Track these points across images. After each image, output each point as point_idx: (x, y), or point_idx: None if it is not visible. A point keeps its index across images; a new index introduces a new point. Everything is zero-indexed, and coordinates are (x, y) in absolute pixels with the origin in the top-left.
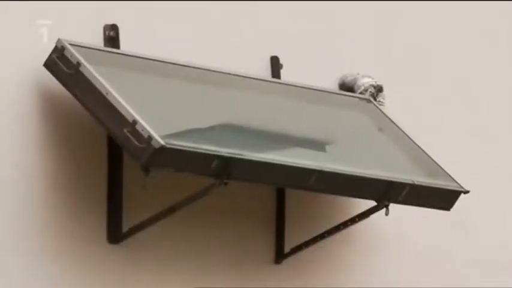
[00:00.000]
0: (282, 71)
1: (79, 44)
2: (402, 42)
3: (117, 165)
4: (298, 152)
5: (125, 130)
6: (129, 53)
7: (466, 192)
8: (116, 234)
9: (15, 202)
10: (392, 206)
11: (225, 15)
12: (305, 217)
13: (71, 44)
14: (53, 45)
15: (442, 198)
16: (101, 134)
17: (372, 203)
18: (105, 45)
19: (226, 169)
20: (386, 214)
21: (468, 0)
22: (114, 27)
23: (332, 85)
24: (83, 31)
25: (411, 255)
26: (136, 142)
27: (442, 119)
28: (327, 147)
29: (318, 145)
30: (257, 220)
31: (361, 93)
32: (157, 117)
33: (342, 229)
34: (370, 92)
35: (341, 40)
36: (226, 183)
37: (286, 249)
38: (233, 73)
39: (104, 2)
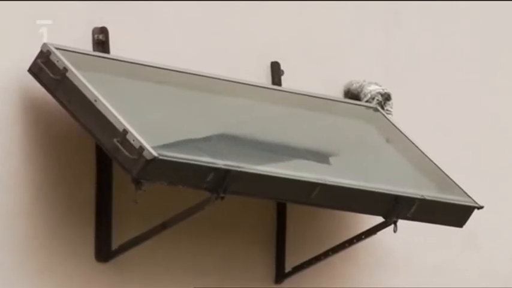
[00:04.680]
0: (283, 78)
1: (66, 48)
2: (411, 47)
3: (106, 177)
4: (300, 164)
5: (115, 140)
6: (120, 58)
7: (480, 207)
8: (104, 251)
9: None
10: (401, 223)
11: (223, 17)
12: (307, 234)
13: (57, 48)
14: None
15: (454, 214)
16: (89, 145)
17: (379, 219)
18: (94, 49)
19: (223, 182)
20: (395, 231)
21: (478, 4)
22: (103, 30)
23: (336, 93)
24: (69, 34)
25: (420, 275)
26: (127, 153)
27: (454, 130)
28: (331, 159)
29: (321, 157)
30: (256, 237)
31: (367, 101)
32: (150, 127)
33: (347, 247)
34: (377, 100)
35: (346, 45)
36: (222, 198)
37: (287, 268)
38: (231, 79)
39: (93, 3)
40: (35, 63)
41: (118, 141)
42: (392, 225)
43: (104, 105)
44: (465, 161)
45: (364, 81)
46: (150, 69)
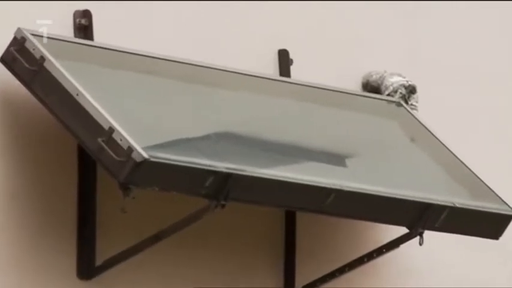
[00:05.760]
0: (292, 68)
1: (43, 35)
2: (439, 33)
3: (89, 182)
4: (311, 167)
5: (100, 140)
6: (105, 45)
7: None
8: (87, 268)
9: None
10: (428, 234)
11: (223, 0)
12: (320, 247)
13: (33, 35)
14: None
15: (489, 223)
16: (70, 145)
17: (403, 230)
18: (76, 35)
19: (223, 188)
20: (421, 243)
21: None
22: (86, 14)
23: (354, 85)
24: (49, 19)
25: None
26: (113, 154)
27: (488, 127)
28: (348, 161)
29: (337, 159)
30: (262, 250)
31: (389, 94)
32: (139, 124)
33: (366, 262)
34: (401, 93)
35: (365, 30)
36: (223, 205)
37: (298, 286)
38: (232, 70)
39: None
40: (7, 51)
41: (103, 141)
42: (418, 237)
43: (87, 99)
44: (501, 163)
45: (386, 71)
46: (140, 58)
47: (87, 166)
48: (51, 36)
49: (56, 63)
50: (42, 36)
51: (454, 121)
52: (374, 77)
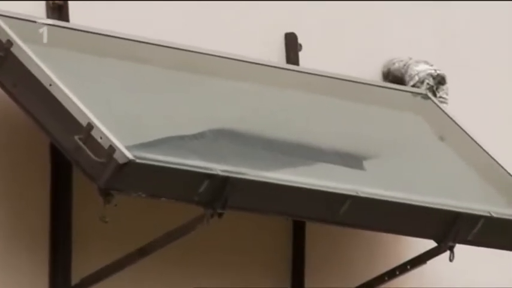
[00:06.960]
0: (300, 54)
1: (10, 15)
2: (470, 16)
3: (64, 187)
4: (323, 169)
5: (76, 138)
6: (83, 28)
7: None
8: (62, 287)
9: None
10: (459, 248)
11: None
12: (333, 263)
13: None
14: None
15: None
16: (42, 143)
17: (431, 244)
18: (48, 16)
19: (220, 194)
20: (451, 259)
21: None
22: None
23: (373, 74)
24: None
25: None
26: (92, 155)
27: None
28: (366, 163)
29: (353, 160)
30: (266, 266)
31: (414, 85)
32: (123, 120)
33: (387, 280)
34: (428, 84)
35: (385, 12)
36: (220, 214)
37: None
38: (232, 57)
39: None
40: None
41: (80, 139)
42: (448, 252)
43: (62, 90)
44: None
45: (410, 59)
46: (124, 43)
47: (61, 168)
48: (20, 16)
49: (26, 49)
50: (8, 17)
51: (489, 116)
52: (397, 65)
